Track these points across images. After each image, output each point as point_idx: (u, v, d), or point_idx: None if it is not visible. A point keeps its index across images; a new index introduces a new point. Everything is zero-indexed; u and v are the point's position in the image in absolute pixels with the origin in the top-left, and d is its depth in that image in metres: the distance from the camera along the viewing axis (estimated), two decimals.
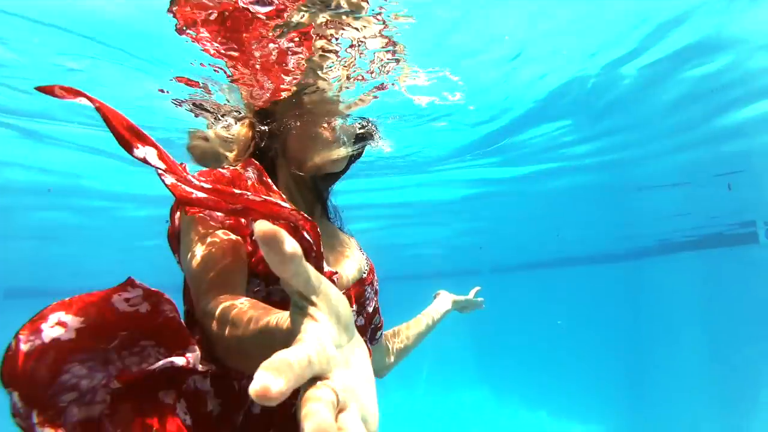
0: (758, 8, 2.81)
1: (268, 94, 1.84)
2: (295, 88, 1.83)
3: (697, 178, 6.84)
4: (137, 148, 0.91)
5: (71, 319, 0.83)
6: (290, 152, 1.37)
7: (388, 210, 7.10)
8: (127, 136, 0.90)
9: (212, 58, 1.85)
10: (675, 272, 14.24)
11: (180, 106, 2.31)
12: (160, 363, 0.82)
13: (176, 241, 1.15)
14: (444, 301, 1.98)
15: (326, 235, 1.34)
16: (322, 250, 1.08)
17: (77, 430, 0.76)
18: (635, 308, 18.68)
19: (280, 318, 0.66)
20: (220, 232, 1.07)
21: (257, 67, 1.76)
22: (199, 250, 1.03)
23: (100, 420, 0.78)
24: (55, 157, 4.34)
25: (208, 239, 1.05)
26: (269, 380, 0.39)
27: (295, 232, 1.06)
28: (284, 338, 0.56)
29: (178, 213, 1.15)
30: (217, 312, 0.84)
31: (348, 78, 1.92)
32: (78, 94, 0.90)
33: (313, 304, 0.52)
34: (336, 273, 1.19)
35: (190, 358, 0.84)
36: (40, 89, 0.91)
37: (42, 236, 7.78)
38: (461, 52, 2.46)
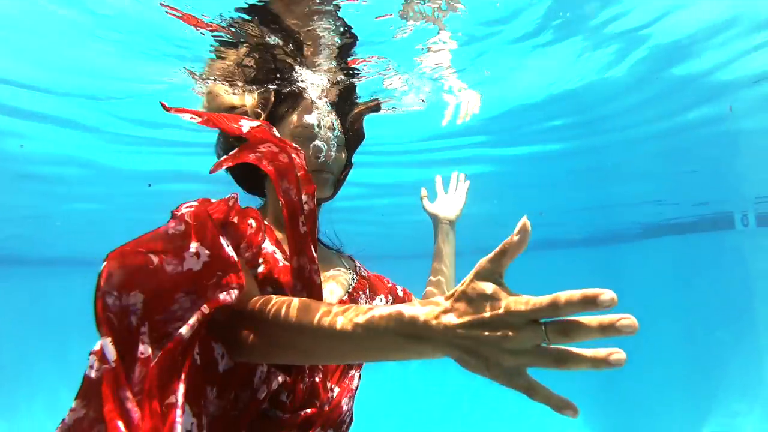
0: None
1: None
2: None
3: (676, 165, 6.86)
4: (242, 126, 1.07)
5: (202, 251, 0.86)
6: None
7: (359, 188, 6.95)
8: (234, 130, 1.07)
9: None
10: (653, 257, 14.46)
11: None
12: (224, 298, 0.85)
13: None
14: (441, 228, 1.91)
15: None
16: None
17: (172, 357, 0.79)
18: (616, 291, 18.99)
19: (401, 307, 0.77)
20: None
21: None
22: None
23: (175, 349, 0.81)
24: None
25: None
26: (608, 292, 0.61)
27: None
28: (408, 320, 0.75)
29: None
30: (316, 306, 0.86)
31: None
32: (184, 111, 1.04)
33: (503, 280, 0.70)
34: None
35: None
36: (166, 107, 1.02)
37: None
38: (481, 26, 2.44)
